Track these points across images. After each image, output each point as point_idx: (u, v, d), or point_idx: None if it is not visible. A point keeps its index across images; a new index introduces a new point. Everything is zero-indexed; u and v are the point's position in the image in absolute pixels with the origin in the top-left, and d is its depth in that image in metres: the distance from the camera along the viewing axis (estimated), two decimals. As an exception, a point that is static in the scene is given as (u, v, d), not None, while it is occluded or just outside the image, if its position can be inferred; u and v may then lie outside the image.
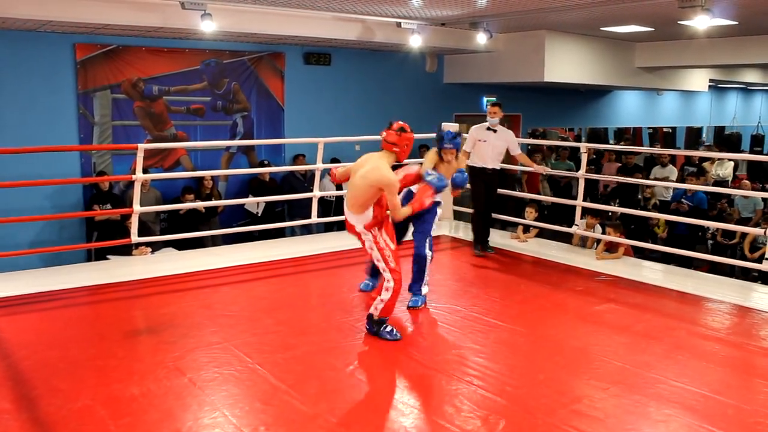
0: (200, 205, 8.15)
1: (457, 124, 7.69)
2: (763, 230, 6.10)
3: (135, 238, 6.44)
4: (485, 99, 12.35)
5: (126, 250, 6.98)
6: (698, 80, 14.08)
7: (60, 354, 4.26)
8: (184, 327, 4.77)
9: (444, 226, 7.99)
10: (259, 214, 9.21)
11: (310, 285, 6.07)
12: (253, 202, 9.11)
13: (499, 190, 7.30)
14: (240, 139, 9.57)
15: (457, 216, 8.48)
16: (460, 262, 6.85)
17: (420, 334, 4.72)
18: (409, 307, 5.23)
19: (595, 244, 7.27)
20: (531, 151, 12.60)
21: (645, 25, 9.57)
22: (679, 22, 8.75)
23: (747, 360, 4.49)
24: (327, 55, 10.22)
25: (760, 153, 16.96)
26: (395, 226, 4.93)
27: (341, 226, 4.83)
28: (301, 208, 8.52)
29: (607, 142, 15.07)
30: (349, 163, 4.97)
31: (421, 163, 5.54)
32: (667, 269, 6.89)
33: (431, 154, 5.55)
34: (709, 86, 15.07)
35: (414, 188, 5.32)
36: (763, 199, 10.21)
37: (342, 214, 4.81)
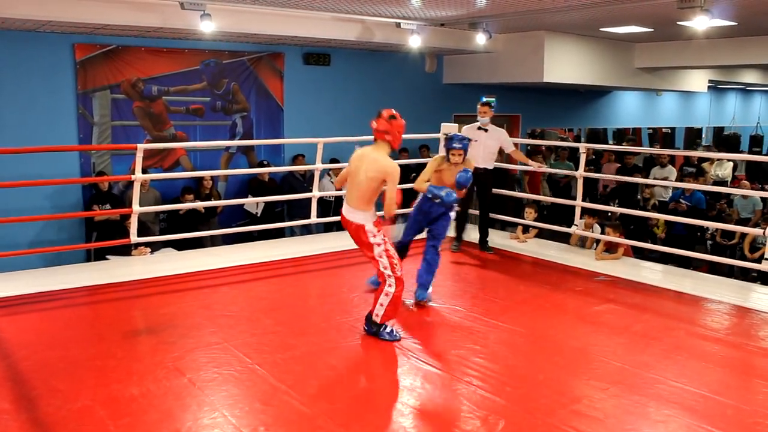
0: (200, 205, 8.15)
1: (456, 125, 7.69)
2: (762, 230, 6.10)
3: (134, 238, 6.44)
4: (484, 99, 12.33)
5: (125, 251, 6.98)
6: (697, 81, 14.09)
7: (59, 354, 4.26)
8: (184, 327, 4.77)
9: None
10: (259, 215, 9.21)
11: (310, 285, 6.07)
12: (253, 203, 9.11)
13: (498, 190, 7.30)
14: (239, 139, 9.57)
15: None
16: (460, 262, 6.85)
17: (419, 335, 4.72)
18: (417, 300, 5.36)
19: (594, 244, 7.28)
20: (531, 152, 12.61)
21: (644, 26, 9.57)
22: (678, 22, 8.75)
23: (746, 360, 4.49)
24: (326, 56, 10.22)
25: (759, 153, 16.96)
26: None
27: (341, 226, 4.81)
28: (301, 209, 8.52)
29: (607, 143, 15.08)
30: (344, 165, 4.90)
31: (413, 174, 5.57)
32: (667, 270, 6.90)
33: (437, 157, 5.64)
34: (709, 87, 15.07)
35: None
36: (763, 200, 10.22)
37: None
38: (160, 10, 7.38)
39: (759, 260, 6.45)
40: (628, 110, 15.95)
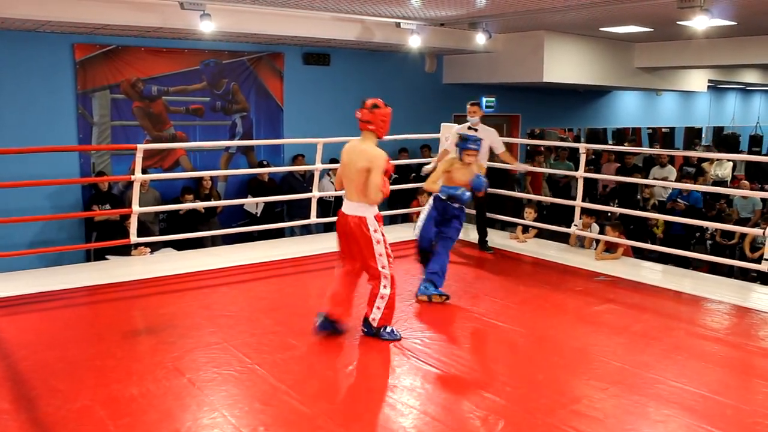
0: (199, 205, 8.15)
1: (455, 125, 7.69)
2: (762, 230, 6.10)
3: (134, 238, 6.44)
4: (484, 99, 12.35)
5: (125, 251, 6.98)
6: (697, 81, 14.08)
7: (59, 354, 4.26)
8: (183, 327, 4.77)
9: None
10: (258, 215, 9.20)
11: (310, 285, 6.07)
12: (253, 203, 9.11)
13: (498, 190, 7.31)
14: (239, 139, 9.57)
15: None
16: (460, 262, 6.85)
17: (419, 335, 4.72)
18: (419, 294, 5.44)
19: (594, 243, 7.28)
20: (532, 153, 12.63)
21: (644, 26, 9.57)
22: (678, 22, 8.75)
23: (746, 360, 4.49)
24: (326, 56, 10.22)
25: (759, 153, 16.97)
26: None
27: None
28: (301, 209, 8.52)
29: (606, 143, 15.08)
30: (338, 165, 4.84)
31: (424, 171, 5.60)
32: (667, 270, 6.90)
33: (449, 159, 5.72)
34: (708, 87, 15.07)
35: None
36: (762, 200, 10.22)
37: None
38: (160, 10, 7.38)
39: (759, 260, 6.45)
40: (628, 110, 15.95)
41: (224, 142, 9.44)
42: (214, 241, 8.16)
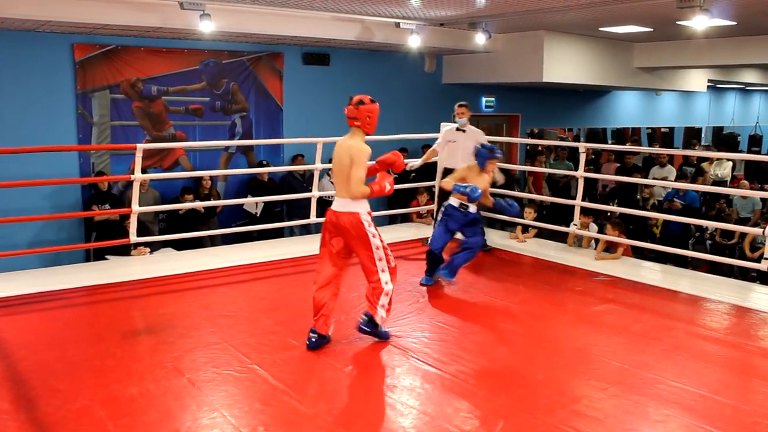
0: (199, 205, 8.14)
1: (454, 125, 7.67)
2: (761, 230, 6.10)
3: (134, 238, 6.44)
4: (484, 99, 12.36)
5: (125, 251, 6.98)
6: (697, 80, 14.08)
7: (59, 354, 4.26)
8: (183, 327, 4.77)
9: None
10: (258, 215, 9.20)
11: (309, 285, 6.03)
12: (252, 203, 9.11)
13: (498, 190, 7.32)
14: (239, 139, 9.56)
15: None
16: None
17: (419, 335, 4.72)
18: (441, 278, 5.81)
19: (593, 243, 7.29)
20: (534, 153, 12.63)
21: (644, 26, 9.57)
22: (677, 22, 8.75)
23: (745, 360, 4.49)
24: (326, 56, 10.21)
25: (758, 153, 16.97)
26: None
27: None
28: (300, 208, 8.52)
29: (606, 143, 15.07)
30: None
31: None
32: (666, 269, 6.90)
33: (469, 165, 5.94)
34: (708, 86, 15.07)
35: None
36: (762, 199, 10.22)
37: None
38: (160, 10, 7.38)
39: (759, 260, 6.45)
40: (628, 110, 15.95)
41: (224, 141, 9.44)
42: (213, 241, 8.16)
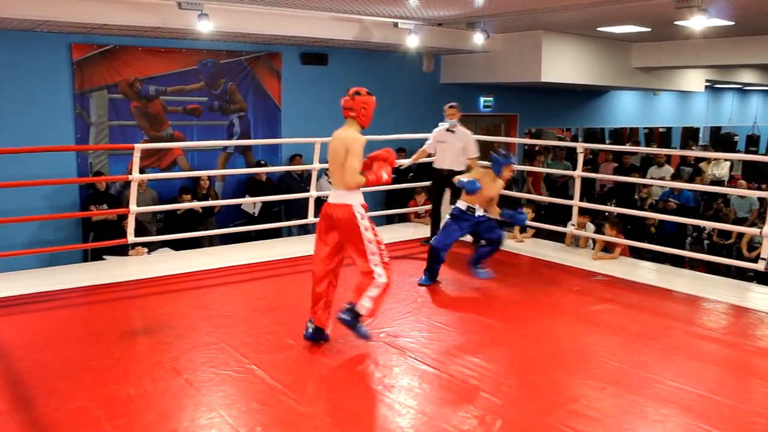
0: (197, 205, 8.14)
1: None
2: (759, 230, 6.11)
3: (131, 238, 6.44)
4: (482, 99, 12.36)
5: (122, 251, 6.97)
6: (695, 80, 14.10)
7: (56, 354, 4.25)
8: (181, 327, 4.77)
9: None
10: (256, 215, 9.19)
11: (307, 285, 6.00)
12: (250, 203, 9.10)
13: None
14: (237, 139, 9.55)
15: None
16: (456, 262, 6.85)
17: (416, 335, 4.72)
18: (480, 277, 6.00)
19: (590, 242, 7.30)
20: (533, 153, 12.64)
21: (642, 26, 9.58)
22: (675, 22, 8.76)
23: (743, 360, 4.50)
24: (324, 55, 10.21)
25: (756, 153, 17.00)
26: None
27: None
28: (298, 208, 8.51)
29: (604, 143, 15.09)
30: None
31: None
32: (664, 269, 6.91)
33: (482, 170, 6.01)
34: (706, 86, 15.09)
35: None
36: (759, 199, 10.24)
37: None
38: (158, 9, 7.37)
39: (756, 260, 6.46)
40: (626, 110, 15.97)
41: (222, 141, 9.43)
42: (211, 241, 8.15)
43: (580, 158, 7.30)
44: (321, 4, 7.82)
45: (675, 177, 10.69)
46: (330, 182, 4.51)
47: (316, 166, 7.47)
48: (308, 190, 7.70)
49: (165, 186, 8.64)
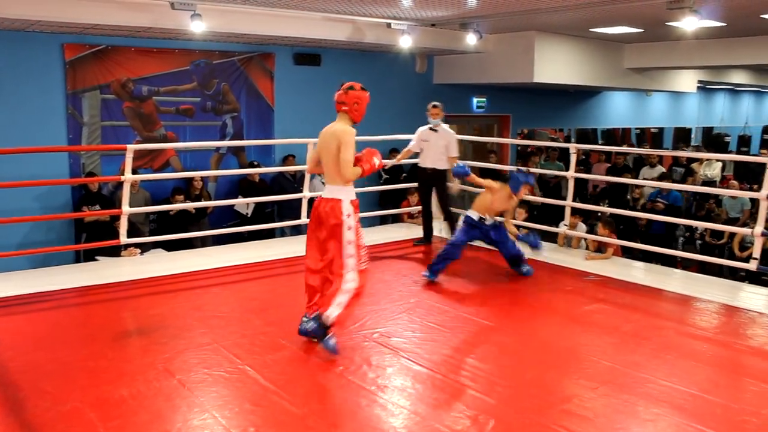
0: (190, 206, 8.12)
1: (446, 126, 7.68)
2: (750, 230, 6.14)
3: (124, 239, 6.42)
4: (475, 100, 12.38)
5: (115, 251, 6.95)
6: (687, 81, 14.16)
7: (48, 356, 4.24)
8: (174, 328, 4.75)
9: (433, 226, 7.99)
10: (249, 215, 9.18)
11: (300, 285, 6.03)
12: (243, 203, 9.09)
13: None
14: (230, 139, 9.54)
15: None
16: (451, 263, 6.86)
17: (409, 335, 4.72)
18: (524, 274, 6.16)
19: (582, 242, 7.32)
20: (528, 154, 12.65)
21: (634, 26, 9.62)
22: (667, 23, 8.80)
23: (735, 359, 4.52)
24: (317, 56, 10.20)
25: (747, 153, 17.08)
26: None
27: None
28: (291, 209, 8.50)
29: (596, 143, 15.14)
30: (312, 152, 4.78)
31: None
32: (656, 269, 6.93)
33: (499, 185, 6.10)
34: (698, 87, 15.16)
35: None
36: (751, 199, 10.29)
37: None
38: (150, 9, 7.36)
39: (747, 259, 6.50)
40: (618, 111, 16.01)
41: (215, 142, 9.41)
42: (204, 242, 8.13)
43: (573, 159, 7.33)
44: (314, 5, 7.82)
45: (663, 177, 10.72)
46: (323, 182, 4.49)
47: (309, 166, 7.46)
48: (301, 191, 7.70)
49: (158, 187, 8.62)
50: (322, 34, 8.80)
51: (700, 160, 12.98)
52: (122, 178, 6.44)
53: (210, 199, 8.91)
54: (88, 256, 7.53)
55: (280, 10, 8.09)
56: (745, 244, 8.56)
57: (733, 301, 5.64)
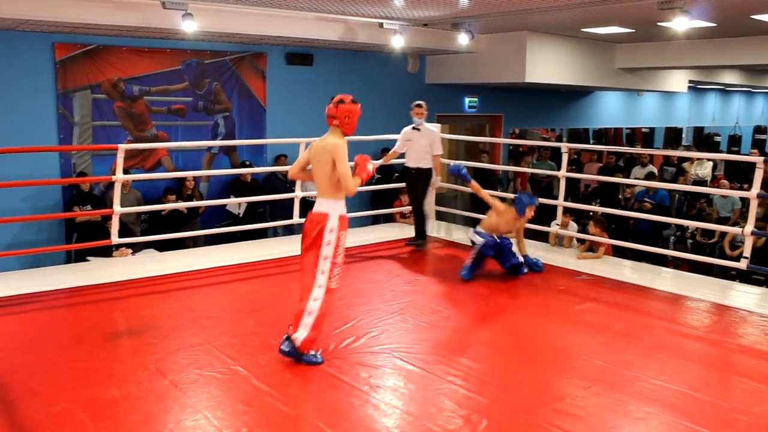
0: (182, 205, 8.10)
1: (438, 125, 7.70)
2: (741, 229, 6.18)
3: (115, 239, 6.39)
4: (467, 99, 12.40)
5: (106, 252, 6.92)
6: (678, 81, 14.22)
7: (38, 357, 4.21)
8: (165, 328, 4.74)
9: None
10: (241, 215, 9.17)
11: (292, 286, 6.02)
12: (235, 203, 9.07)
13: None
14: (221, 139, 9.52)
15: (439, 216, 8.51)
16: (442, 262, 6.87)
17: (402, 334, 4.73)
18: (530, 271, 6.27)
19: (574, 242, 7.34)
20: (520, 153, 12.67)
21: (625, 27, 9.66)
22: (658, 23, 8.84)
23: (725, 357, 4.55)
24: (309, 56, 10.20)
25: (738, 153, 17.18)
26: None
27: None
28: (283, 209, 8.49)
29: (588, 143, 15.18)
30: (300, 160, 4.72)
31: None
32: (648, 268, 6.96)
33: (506, 207, 6.19)
34: (689, 87, 15.23)
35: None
36: (741, 199, 10.35)
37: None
38: (142, 9, 7.33)
39: (738, 258, 6.53)
40: (610, 110, 16.07)
41: (206, 142, 9.39)
42: (196, 242, 8.12)
43: (565, 158, 7.34)
44: (306, 4, 7.81)
45: (650, 177, 10.77)
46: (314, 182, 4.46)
47: (302, 166, 7.45)
48: (293, 191, 7.68)
49: (149, 186, 8.59)
50: (315, 33, 8.79)
51: (691, 160, 13.04)
52: (113, 177, 6.41)
53: (202, 199, 8.88)
54: (80, 256, 7.50)
55: (272, 10, 8.08)
56: (736, 243, 8.60)
57: (724, 300, 5.66)
